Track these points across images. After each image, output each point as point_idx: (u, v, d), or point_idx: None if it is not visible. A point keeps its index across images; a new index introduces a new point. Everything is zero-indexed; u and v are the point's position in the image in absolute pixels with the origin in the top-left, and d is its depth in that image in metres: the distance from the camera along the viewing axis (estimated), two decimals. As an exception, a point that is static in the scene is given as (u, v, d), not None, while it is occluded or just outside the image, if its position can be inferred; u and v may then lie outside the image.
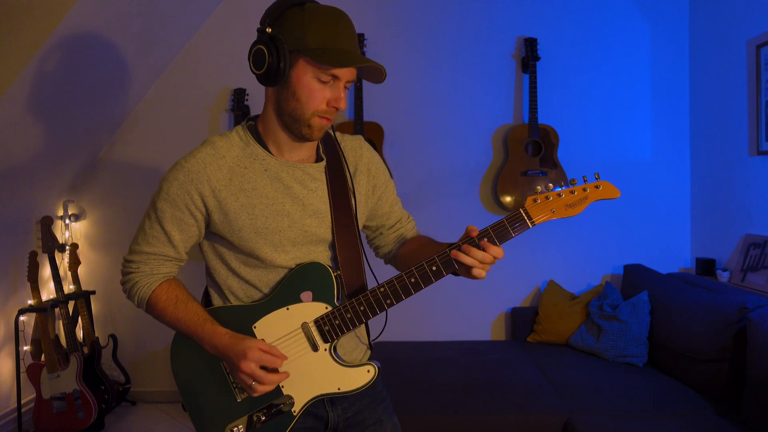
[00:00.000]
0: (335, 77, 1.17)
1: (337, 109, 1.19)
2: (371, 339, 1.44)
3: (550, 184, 1.22)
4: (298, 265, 1.26)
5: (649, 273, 3.16)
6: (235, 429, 1.24)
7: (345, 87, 1.20)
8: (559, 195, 1.21)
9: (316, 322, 1.23)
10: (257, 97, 3.49)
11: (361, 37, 3.36)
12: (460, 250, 1.19)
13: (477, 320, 3.53)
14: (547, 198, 1.21)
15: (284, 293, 1.25)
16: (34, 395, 3.06)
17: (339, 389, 1.24)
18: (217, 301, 1.33)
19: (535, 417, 2.39)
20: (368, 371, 1.25)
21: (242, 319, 1.25)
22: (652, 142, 3.47)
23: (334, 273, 1.25)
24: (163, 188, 1.24)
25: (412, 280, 1.20)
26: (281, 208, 1.24)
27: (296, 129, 1.22)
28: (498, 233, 1.19)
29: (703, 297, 2.65)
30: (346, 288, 1.30)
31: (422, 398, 2.50)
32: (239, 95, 3.40)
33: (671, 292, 2.88)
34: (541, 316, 3.29)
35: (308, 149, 1.30)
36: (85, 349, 3.28)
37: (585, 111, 3.46)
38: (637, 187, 3.46)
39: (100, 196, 3.59)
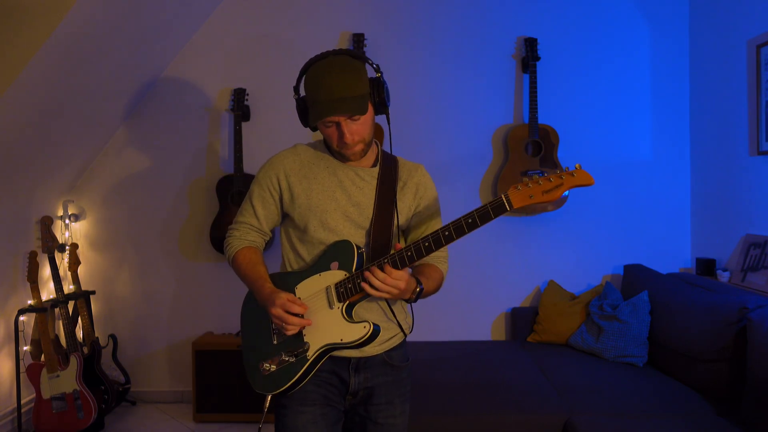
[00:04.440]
0: (332, 121, 1.49)
1: (345, 143, 1.51)
2: (399, 323, 1.65)
3: (536, 176, 1.40)
4: (334, 242, 1.57)
5: (649, 273, 3.15)
6: (266, 365, 1.55)
7: (352, 120, 1.49)
8: (537, 182, 1.38)
9: (336, 285, 1.52)
10: (257, 97, 3.49)
11: (360, 37, 3.36)
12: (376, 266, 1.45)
13: (477, 320, 3.53)
14: (526, 185, 1.39)
15: (320, 263, 1.57)
16: (34, 395, 3.06)
17: (341, 340, 1.50)
18: (280, 269, 1.71)
19: (535, 417, 2.39)
20: (364, 327, 1.49)
21: (291, 281, 1.59)
22: (652, 142, 3.47)
23: (357, 250, 1.53)
24: (257, 175, 1.65)
25: (409, 253, 1.46)
26: (331, 194, 1.59)
27: (338, 154, 1.59)
28: (480, 216, 1.41)
29: (703, 297, 2.65)
30: None
31: (422, 398, 2.49)
32: (239, 95, 3.40)
33: (671, 292, 2.88)
34: (541, 316, 3.29)
35: (364, 157, 1.63)
36: (85, 349, 3.28)
37: (585, 111, 3.46)
38: (637, 187, 3.45)
39: (100, 196, 3.59)
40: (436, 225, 1.70)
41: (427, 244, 1.44)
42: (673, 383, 2.62)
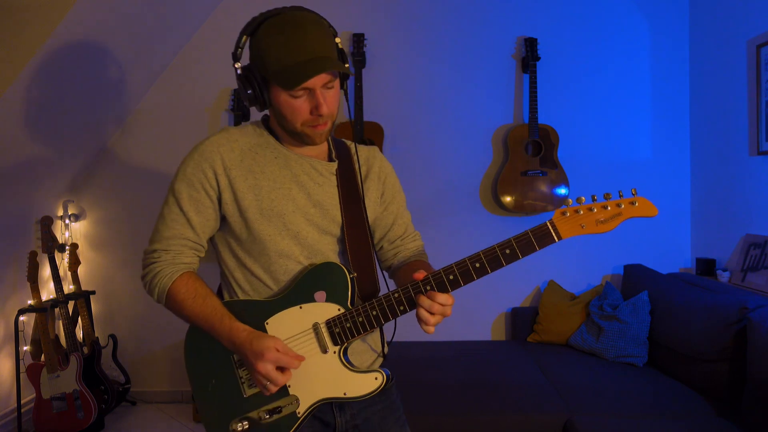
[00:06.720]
0: (306, 89, 1.18)
1: (321, 115, 1.20)
2: (384, 347, 1.40)
3: (582, 197, 1.15)
4: (312, 264, 1.26)
5: (649, 273, 3.15)
6: (239, 426, 1.23)
7: (327, 88, 1.20)
8: (590, 209, 1.14)
9: (327, 323, 1.21)
10: (257, 97, 3.49)
11: (360, 37, 3.36)
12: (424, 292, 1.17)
13: (477, 320, 3.53)
14: (576, 212, 1.15)
15: (298, 291, 1.23)
16: (34, 395, 3.06)
17: (345, 394, 1.22)
18: (225, 296, 1.33)
19: (535, 417, 2.39)
20: (375, 378, 1.22)
21: (255, 314, 1.24)
22: (652, 142, 3.47)
23: (350, 275, 1.23)
24: (180, 170, 1.26)
25: (428, 287, 1.17)
26: (287, 192, 1.25)
27: (297, 138, 1.26)
28: (521, 246, 1.16)
29: (703, 297, 2.64)
30: (359, 291, 1.28)
31: (422, 398, 2.50)
32: (239, 95, 3.40)
33: (671, 292, 2.88)
34: (541, 316, 3.29)
35: (318, 147, 1.33)
36: (85, 349, 3.28)
37: (585, 111, 3.46)
38: (637, 187, 3.38)
39: (100, 196, 3.59)
40: (405, 216, 1.47)
41: (452, 277, 1.16)
42: (673, 383, 2.62)
